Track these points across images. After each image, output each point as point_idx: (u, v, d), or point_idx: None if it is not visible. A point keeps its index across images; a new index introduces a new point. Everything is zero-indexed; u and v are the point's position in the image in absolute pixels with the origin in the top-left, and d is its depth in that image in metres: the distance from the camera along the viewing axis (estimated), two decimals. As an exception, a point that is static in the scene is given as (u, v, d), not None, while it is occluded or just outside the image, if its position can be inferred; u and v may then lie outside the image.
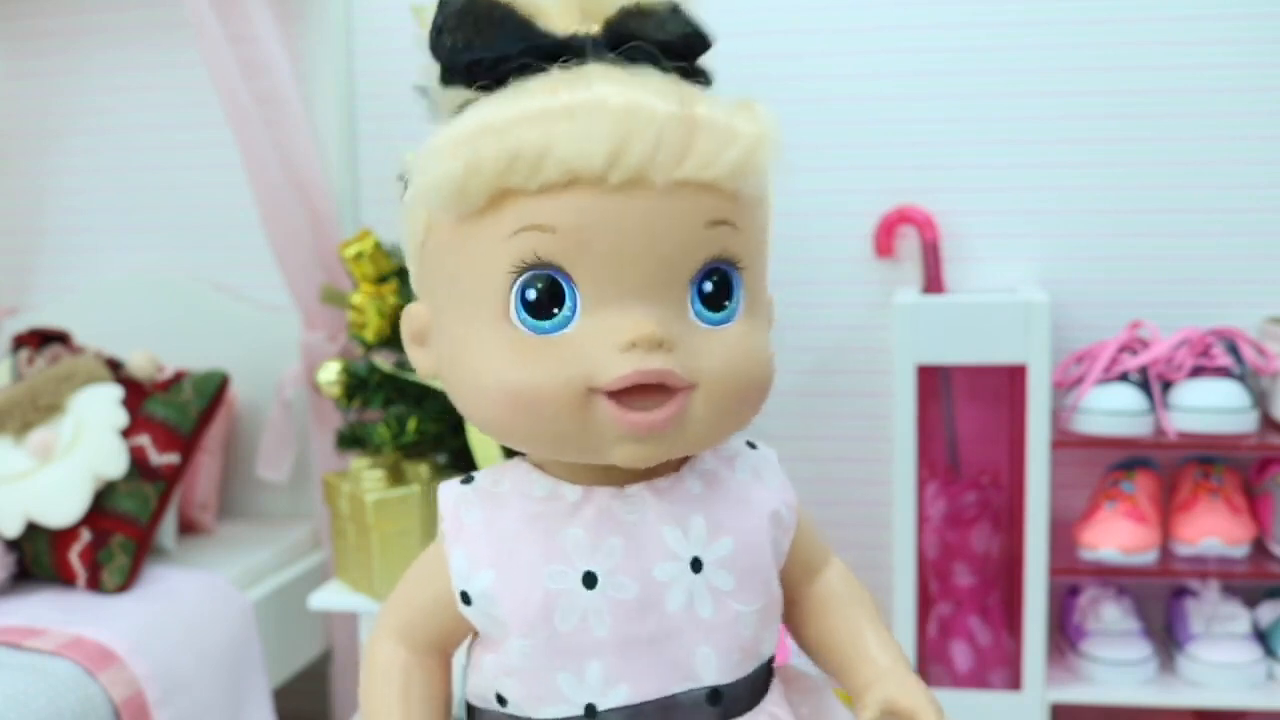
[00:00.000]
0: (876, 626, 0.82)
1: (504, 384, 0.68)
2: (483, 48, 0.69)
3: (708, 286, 0.70)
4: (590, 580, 0.72)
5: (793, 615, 0.84)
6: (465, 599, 0.75)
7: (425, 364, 0.75)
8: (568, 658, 0.72)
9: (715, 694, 0.74)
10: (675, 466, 0.76)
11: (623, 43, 0.70)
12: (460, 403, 0.73)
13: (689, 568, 0.73)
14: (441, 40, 0.70)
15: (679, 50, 0.71)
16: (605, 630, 0.72)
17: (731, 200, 0.69)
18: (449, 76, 0.71)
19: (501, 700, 0.75)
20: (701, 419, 0.69)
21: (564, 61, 0.69)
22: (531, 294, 0.68)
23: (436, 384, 0.82)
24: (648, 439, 0.68)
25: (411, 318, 0.75)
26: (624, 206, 0.66)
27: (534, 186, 0.66)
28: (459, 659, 0.80)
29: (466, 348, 0.70)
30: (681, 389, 0.67)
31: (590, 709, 0.73)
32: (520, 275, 0.68)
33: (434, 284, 0.73)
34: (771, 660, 0.79)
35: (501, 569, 0.73)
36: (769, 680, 0.79)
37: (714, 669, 0.74)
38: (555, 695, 0.73)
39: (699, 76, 0.73)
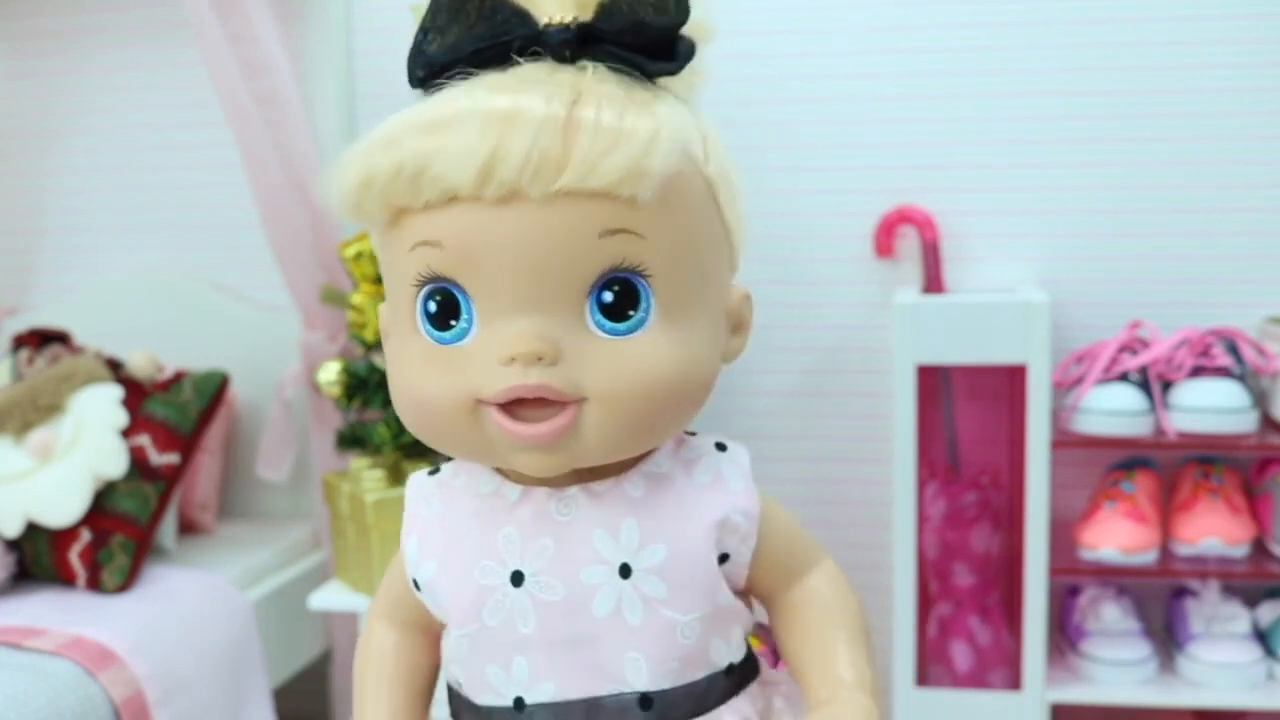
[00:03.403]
0: (850, 642, 0.78)
1: (409, 392, 0.71)
2: (442, 52, 0.70)
3: (606, 297, 0.68)
4: (518, 579, 0.74)
5: (772, 622, 0.82)
6: (416, 585, 0.78)
7: (386, 358, 0.77)
8: (496, 651, 0.75)
9: (646, 699, 0.74)
10: (620, 469, 0.75)
11: (595, 37, 0.68)
12: (393, 403, 0.74)
13: (617, 573, 0.73)
14: (419, 40, 0.72)
15: (655, 43, 0.69)
16: (530, 628, 0.73)
17: (629, 207, 0.66)
18: (413, 81, 0.72)
19: (458, 681, 0.79)
20: (597, 431, 0.68)
21: (512, 63, 0.68)
22: (431, 306, 0.69)
23: None
24: (542, 449, 0.68)
25: (381, 314, 0.77)
26: (504, 221, 0.66)
27: (419, 204, 0.67)
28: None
29: (394, 352, 0.73)
30: (569, 402, 0.67)
31: (519, 702, 0.75)
32: (421, 288, 0.69)
33: (384, 285, 0.75)
34: (735, 668, 0.78)
35: (443, 561, 0.76)
36: (735, 688, 0.78)
37: (645, 675, 0.73)
38: (487, 686, 0.76)
39: (666, 66, 0.70)
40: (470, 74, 0.69)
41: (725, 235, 0.74)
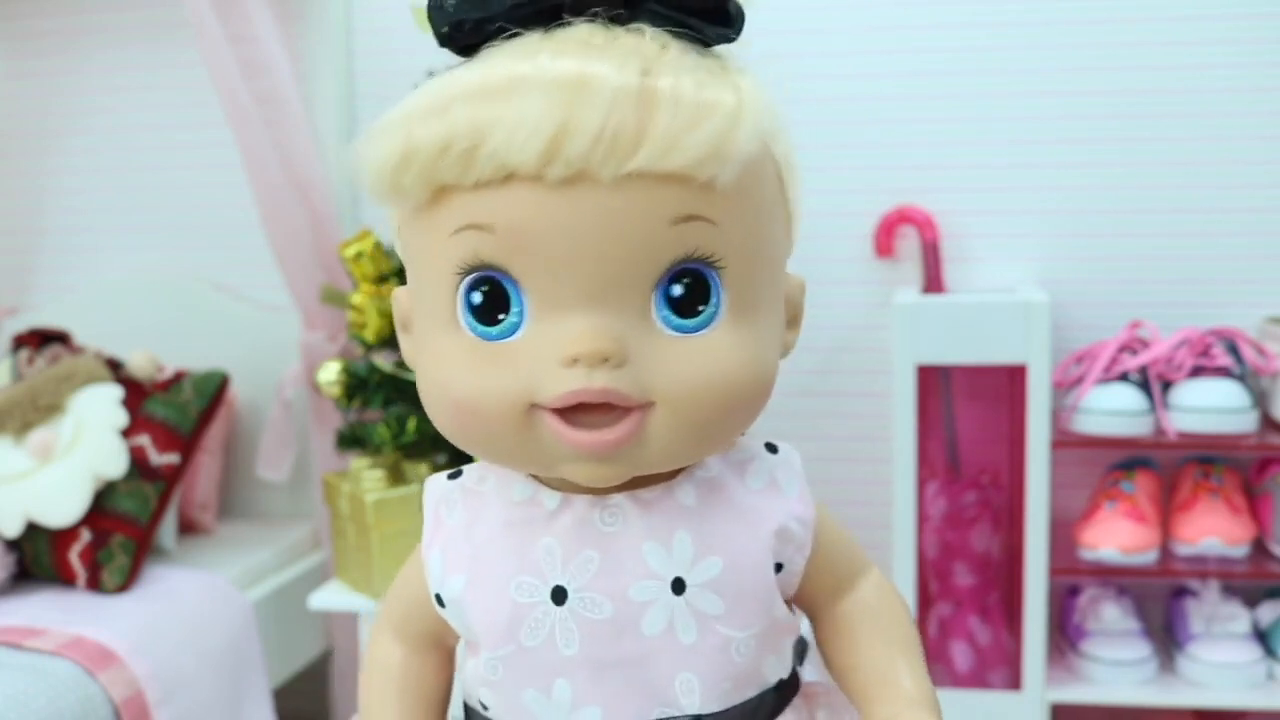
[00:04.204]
0: (907, 656, 0.72)
1: (450, 393, 0.63)
2: (470, 5, 0.62)
3: (676, 291, 0.61)
4: (560, 595, 0.66)
5: (819, 635, 0.76)
6: (440, 601, 0.71)
7: (407, 352, 0.70)
8: (535, 674, 0.67)
9: None
10: (670, 474, 0.68)
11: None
12: (424, 403, 0.67)
13: (669, 588, 0.66)
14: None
15: (705, 8, 0.62)
16: (574, 649, 0.66)
17: (705, 191, 0.59)
18: (438, 38, 0.64)
19: (484, 706, 0.72)
20: (664, 437, 0.61)
21: (558, 22, 0.61)
22: (476, 298, 0.62)
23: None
24: (603, 458, 0.61)
25: (398, 302, 0.70)
26: (568, 204, 0.58)
27: (469, 182, 0.59)
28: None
29: (424, 348, 0.66)
30: (634, 407, 0.60)
31: None
32: (465, 277, 0.62)
33: (408, 271, 0.68)
34: (783, 683, 0.73)
35: (473, 575, 0.69)
36: (781, 703, 0.72)
37: (697, 697, 0.67)
38: (524, 711, 0.68)
39: (724, 31, 0.63)
40: (509, 32, 0.61)
41: (787, 219, 0.68)
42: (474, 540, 0.70)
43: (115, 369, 1.94)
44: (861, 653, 0.73)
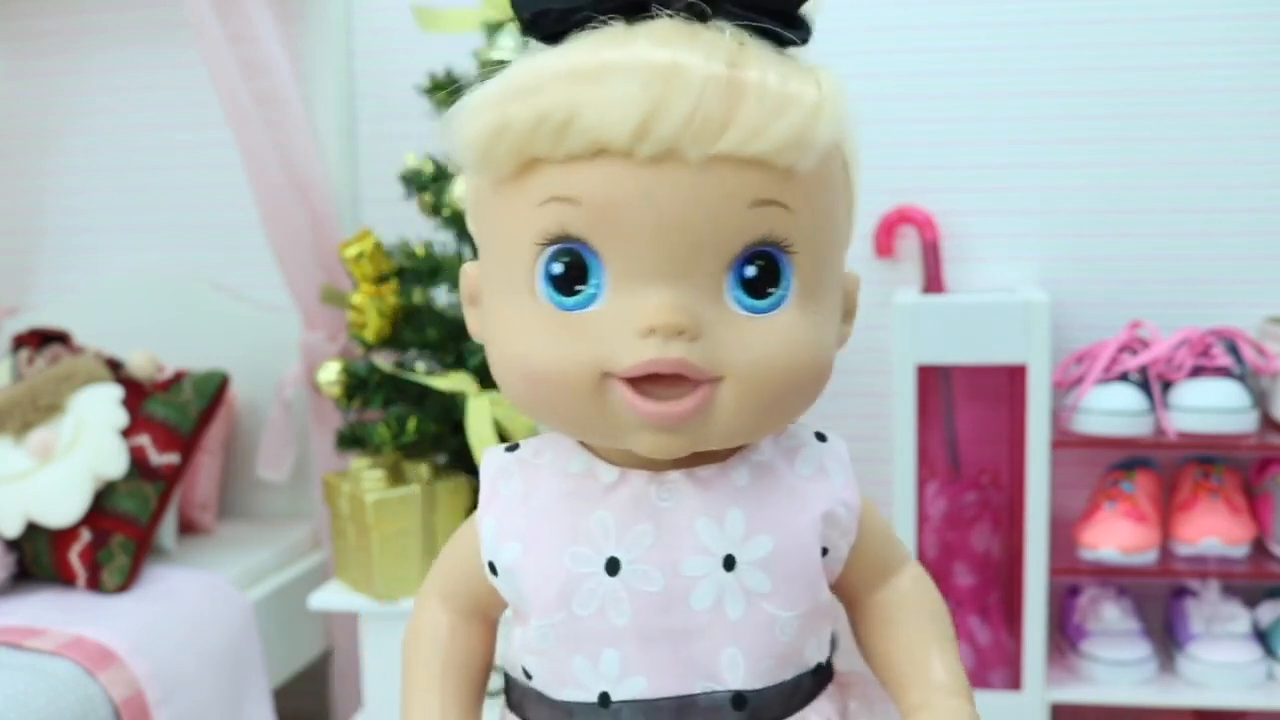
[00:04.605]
0: (943, 646, 0.75)
1: (524, 360, 0.65)
2: None
3: (750, 271, 0.64)
4: (613, 567, 0.68)
5: (856, 622, 0.79)
6: (493, 569, 0.73)
7: (474, 326, 0.72)
8: (584, 642, 0.70)
9: (740, 699, 0.69)
10: (725, 455, 0.70)
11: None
12: (494, 374, 0.69)
13: (721, 565, 0.68)
14: None
15: (775, 6, 0.65)
16: (625, 619, 0.68)
17: (783, 178, 0.62)
18: (522, 24, 0.67)
19: (528, 674, 0.73)
20: (730, 413, 0.64)
21: (639, 15, 0.63)
22: (557, 268, 0.64)
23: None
24: (670, 429, 0.64)
25: (466, 277, 0.72)
26: (655, 181, 0.61)
27: (560, 155, 0.62)
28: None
29: (498, 317, 0.68)
30: (704, 381, 0.63)
31: (604, 697, 0.70)
32: (546, 248, 0.64)
33: (481, 244, 0.70)
34: (821, 667, 0.75)
35: (528, 544, 0.71)
36: (817, 688, 0.74)
37: (741, 673, 0.69)
38: (571, 679, 0.71)
39: (796, 34, 0.66)
40: (593, 23, 0.64)
41: (850, 211, 0.71)
42: (530, 510, 0.72)
43: (115, 369, 1.94)
44: (897, 641, 0.75)
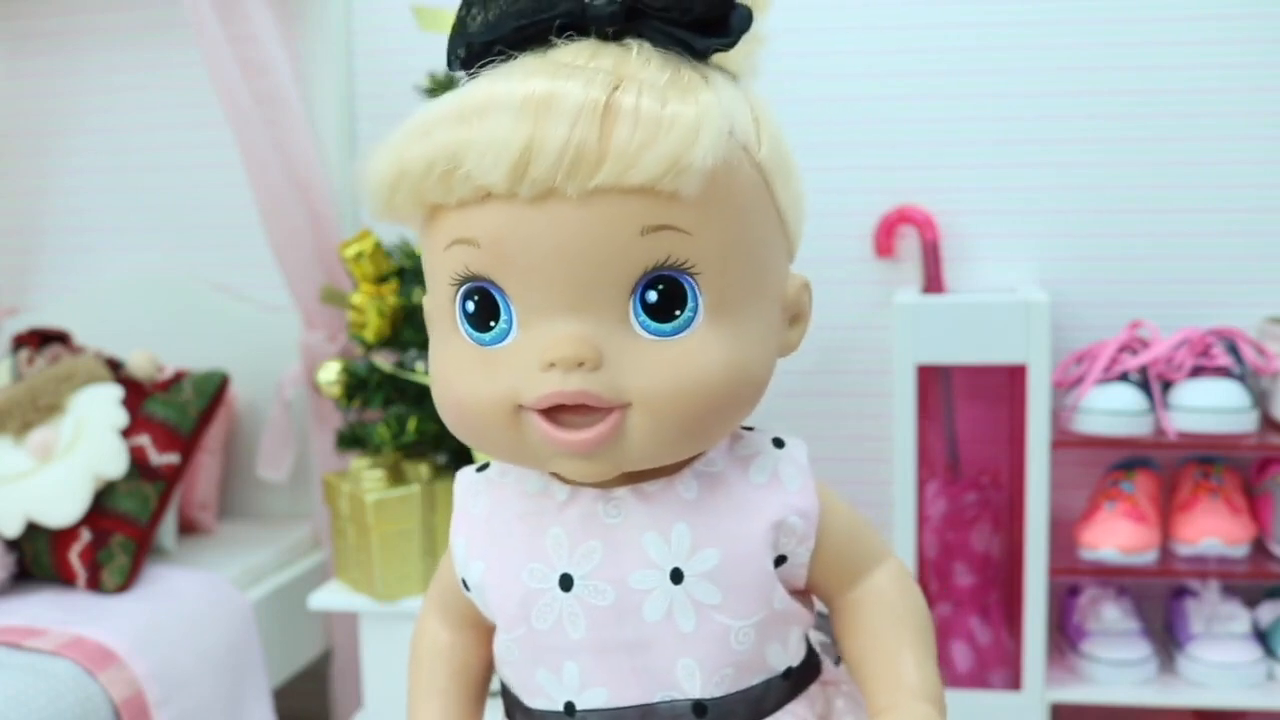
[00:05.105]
0: (914, 646, 0.74)
1: (449, 393, 0.68)
2: (482, 30, 0.65)
3: (651, 297, 0.64)
4: (566, 582, 0.71)
5: (833, 622, 0.79)
6: (465, 585, 0.76)
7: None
8: (545, 655, 0.72)
9: (700, 706, 0.71)
10: (673, 468, 0.71)
11: (642, 12, 0.64)
12: (435, 404, 0.72)
13: (668, 578, 0.69)
14: (461, 17, 0.67)
15: (702, 20, 0.64)
16: (580, 633, 0.71)
17: (672, 202, 0.62)
18: (451, 62, 0.68)
19: (506, 683, 0.77)
20: (642, 437, 0.65)
21: (551, 42, 0.64)
22: (470, 307, 0.66)
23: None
24: (586, 456, 0.65)
25: (425, 305, 0.74)
26: (540, 219, 0.62)
27: (452, 202, 0.64)
28: None
29: (434, 352, 0.71)
30: (612, 408, 0.64)
31: (569, 707, 0.72)
32: (459, 287, 0.66)
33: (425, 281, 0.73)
34: (793, 671, 0.75)
35: (490, 561, 0.74)
36: (794, 690, 0.74)
37: (698, 682, 0.70)
38: (538, 689, 0.73)
39: (716, 41, 0.65)
40: (511, 56, 0.65)
41: (780, 223, 0.70)
42: (493, 528, 0.74)
43: (115, 369, 1.94)
44: (869, 641, 0.75)
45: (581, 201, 0.61)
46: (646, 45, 0.64)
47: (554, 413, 0.64)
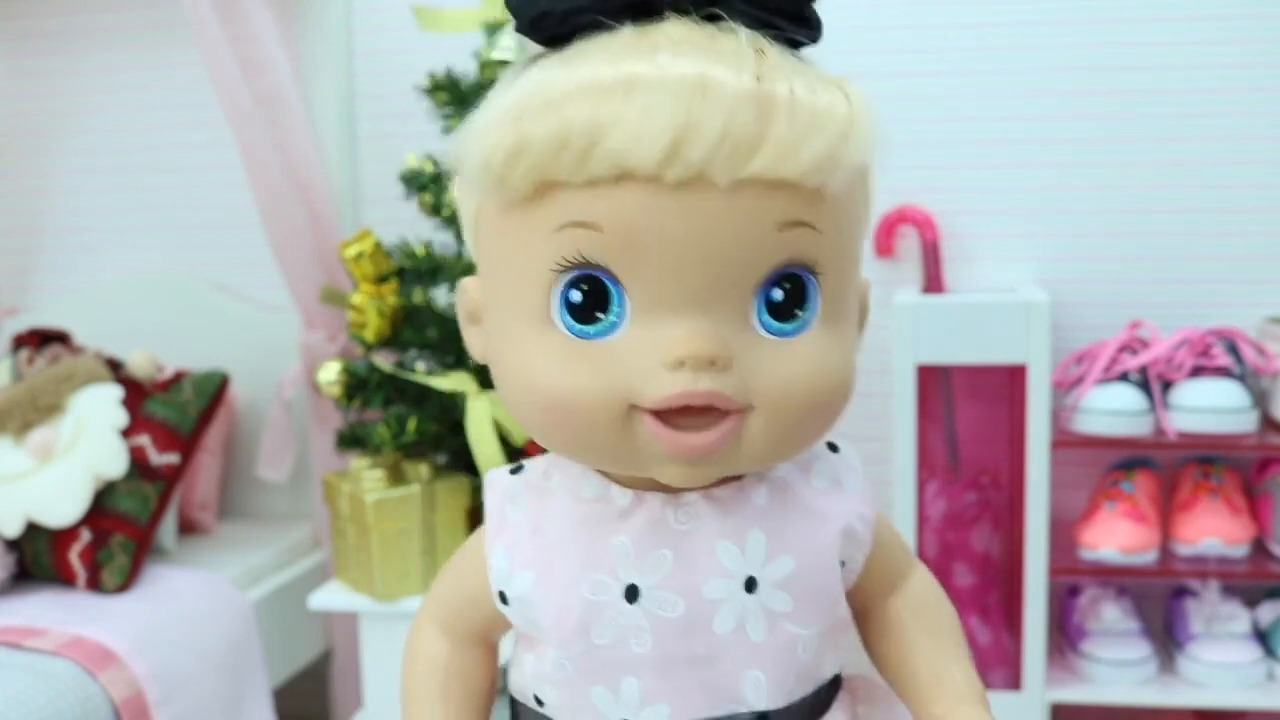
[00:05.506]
0: (959, 653, 0.73)
1: (542, 390, 0.62)
2: None
3: (777, 295, 0.61)
4: (632, 594, 0.66)
5: (866, 630, 0.77)
6: (503, 598, 0.70)
7: (476, 345, 0.70)
8: (603, 672, 0.67)
9: (763, 718, 0.68)
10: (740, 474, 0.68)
11: None
12: (503, 399, 0.66)
13: (742, 587, 0.66)
14: None
15: (787, 4, 0.62)
16: (645, 648, 0.66)
17: (812, 199, 0.60)
18: (521, 26, 0.63)
19: (539, 701, 0.72)
20: (759, 441, 0.62)
21: (647, 16, 0.60)
22: (576, 296, 0.61)
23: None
24: (697, 460, 0.61)
25: (465, 293, 0.69)
26: (682, 207, 0.58)
27: (581, 179, 0.59)
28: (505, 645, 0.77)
29: (508, 342, 0.64)
30: (734, 411, 0.61)
31: None
32: (564, 274, 0.61)
33: (484, 265, 0.67)
34: (836, 678, 0.74)
35: (541, 573, 0.68)
36: (831, 699, 0.73)
37: (765, 694, 0.67)
38: (588, 708, 0.68)
39: (807, 34, 0.63)
40: (598, 26, 0.60)
41: (868, 222, 0.69)
42: (542, 537, 0.69)
43: (115, 369, 1.94)
44: (912, 649, 0.74)
45: (726, 191, 0.58)
46: (751, 32, 0.60)
47: (670, 414, 0.60)
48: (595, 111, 0.57)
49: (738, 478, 0.68)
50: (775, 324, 0.62)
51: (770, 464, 0.66)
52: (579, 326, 0.61)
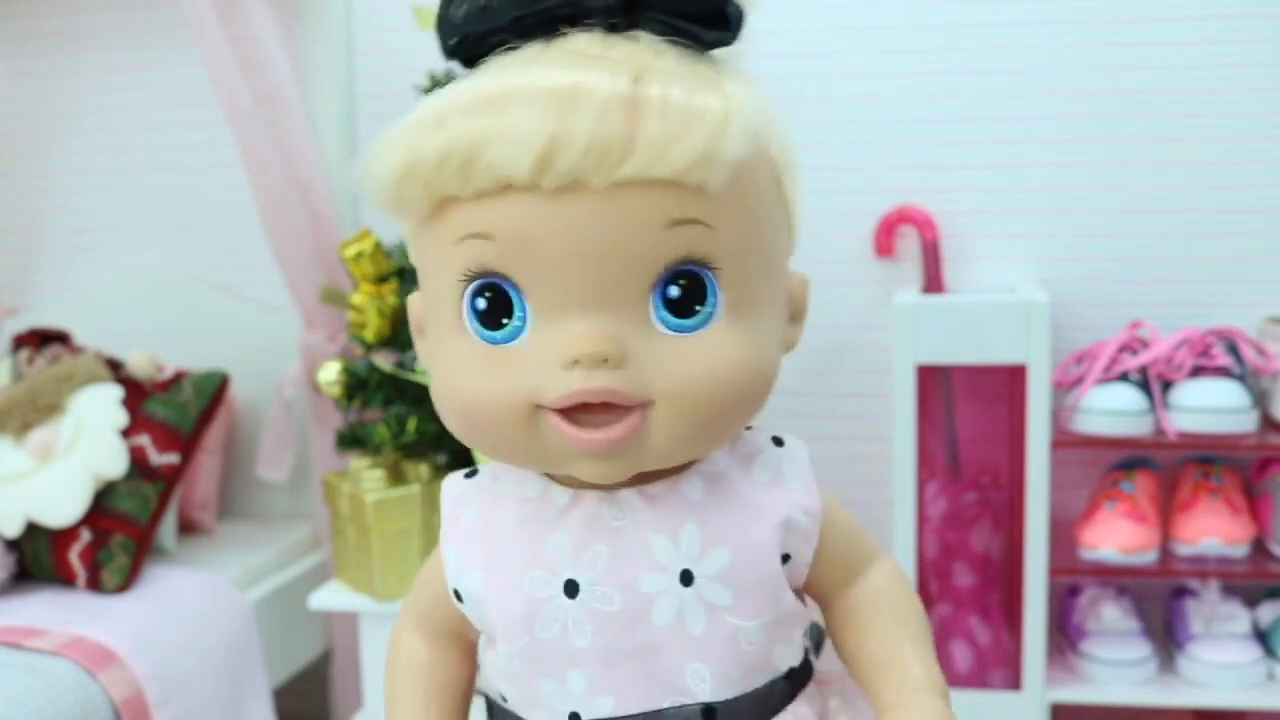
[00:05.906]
0: (916, 643, 0.73)
1: (458, 395, 0.66)
2: (476, 18, 0.64)
3: (673, 292, 0.63)
4: (572, 589, 0.68)
5: (830, 622, 0.78)
6: (458, 596, 0.73)
7: (423, 355, 0.72)
8: (549, 665, 0.70)
9: (709, 710, 0.69)
10: (677, 469, 0.69)
11: (644, 3, 0.62)
12: (436, 406, 0.69)
13: (678, 580, 0.68)
14: (444, 4, 0.65)
15: (703, 13, 0.63)
16: (586, 640, 0.68)
17: (698, 195, 0.61)
18: (445, 52, 0.66)
19: (503, 698, 0.74)
20: (664, 435, 0.63)
21: (554, 34, 0.63)
22: (481, 304, 0.64)
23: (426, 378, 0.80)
24: (605, 456, 0.63)
25: (412, 307, 0.72)
26: (565, 212, 0.60)
27: (469, 193, 0.62)
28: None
29: (435, 352, 0.68)
30: (635, 406, 0.62)
31: (574, 717, 0.70)
32: (469, 284, 0.64)
33: (419, 278, 0.70)
34: (795, 671, 0.74)
35: (489, 570, 0.71)
36: (794, 691, 0.73)
37: (708, 686, 0.69)
38: (540, 701, 0.71)
39: (720, 35, 0.64)
40: (511, 45, 0.63)
41: (787, 218, 0.70)
42: (489, 536, 0.72)
43: (115, 369, 1.94)
44: (870, 639, 0.74)
45: (607, 194, 0.60)
46: (653, 38, 0.63)
47: (573, 412, 0.62)
48: (472, 126, 0.60)
49: (674, 472, 0.69)
50: (675, 320, 0.63)
51: (682, 458, 0.67)
52: (487, 332, 0.64)
